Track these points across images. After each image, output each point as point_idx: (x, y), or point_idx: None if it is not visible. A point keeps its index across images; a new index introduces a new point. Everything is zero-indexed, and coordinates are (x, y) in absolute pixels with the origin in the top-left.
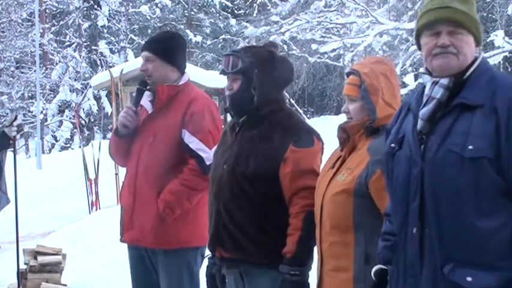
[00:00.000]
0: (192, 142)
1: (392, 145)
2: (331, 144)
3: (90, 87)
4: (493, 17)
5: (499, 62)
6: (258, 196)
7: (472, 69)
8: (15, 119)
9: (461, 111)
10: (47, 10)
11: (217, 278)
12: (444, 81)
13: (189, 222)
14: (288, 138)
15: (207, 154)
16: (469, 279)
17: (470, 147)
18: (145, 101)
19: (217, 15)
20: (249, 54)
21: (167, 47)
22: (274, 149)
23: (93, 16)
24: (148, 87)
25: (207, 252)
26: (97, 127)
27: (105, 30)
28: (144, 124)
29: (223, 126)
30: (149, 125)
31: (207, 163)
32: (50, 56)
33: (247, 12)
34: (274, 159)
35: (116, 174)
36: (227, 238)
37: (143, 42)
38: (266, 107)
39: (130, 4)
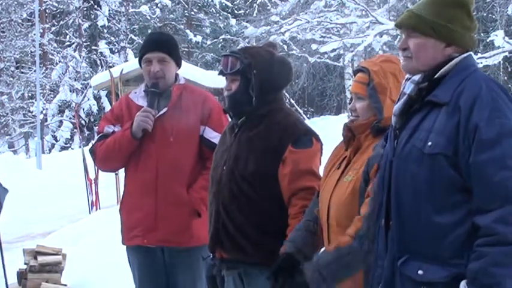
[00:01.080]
0: (215, 137)
1: (382, 140)
2: (331, 144)
3: (90, 87)
4: (493, 17)
5: (499, 62)
6: (257, 196)
7: (445, 68)
8: None
9: (431, 109)
10: (47, 10)
11: (217, 279)
12: (416, 77)
13: (207, 219)
14: (287, 138)
15: None
16: (420, 272)
17: (429, 143)
18: (143, 102)
19: (217, 15)
20: (247, 54)
21: (176, 48)
22: (273, 150)
23: (93, 16)
24: (158, 88)
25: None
26: (97, 127)
27: (105, 30)
28: (155, 125)
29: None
30: (163, 125)
31: None
32: (50, 56)
33: (247, 12)
34: (273, 159)
35: (116, 174)
36: (226, 238)
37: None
38: (265, 107)
39: (130, 4)
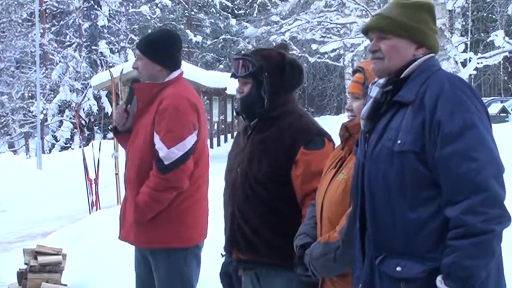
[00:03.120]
0: (156, 142)
1: (354, 146)
2: None
3: (90, 87)
4: (493, 17)
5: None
6: (271, 198)
7: (409, 69)
8: None
9: (398, 109)
10: (47, 10)
11: (233, 279)
12: (381, 81)
13: (168, 223)
14: (299, 140)
15: (165, 153)
16: (398, 269)
17: (398, 141)
18: (132, 99)
19: (218, 15)
20: (258, 57)
21: (152, 46)
22: (286, 151)
23: (93, 16)
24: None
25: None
26: (97, 127)
27: (105, 30)
28: (133, 123)
29: (234, 129)
30: (135, 124)
31: (165, 162)
32: (50, 56)
33: (247, 12)
34: (286, 161)
35: (116, 174)
36: (242, 240)
37: None
38: (277, 109)
39: (131, 4)
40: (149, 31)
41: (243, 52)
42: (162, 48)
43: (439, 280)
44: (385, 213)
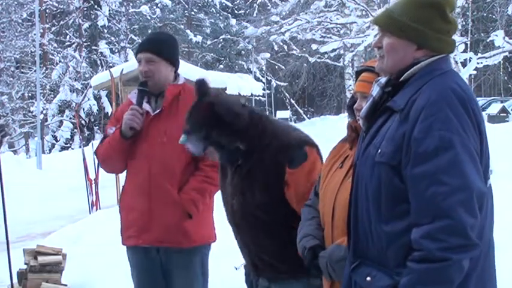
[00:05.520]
0: None
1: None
2: (331, 143)
3: (91, 87)
4: (493, 17)
5: (499, 62)
6: (276, 218)
7: (408, 72)
8: None
9: (390, 114)
10: (47, 10)
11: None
12: (382, 80)
13: (204, 220)
14: (282, 161)
15: None
16: (368, 279)
17: (379, 151)
18: (143, 102)
19: (218, 15)
20: (197, 128)
21: (167, 47)
22: (273, 176)
23: (93, 16)
24: (147, 87)
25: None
26: (97, 127)
27: (105, 30)
28: (150, 124)
29: None
30: (157, 125)
31: None
32: (50, 56)
33: (247, 12)
34: (277, 184)
35: (116, 174)
36: (263, 266)
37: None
38: (254, 140)
39: (131, 4)
40: (149, 31)
41: (183, 137)
42: (173, 49)
43: None
44: (364, 220)
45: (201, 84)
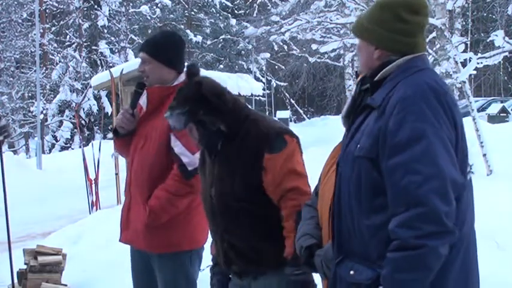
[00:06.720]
0: (176, 146)
1: None
2: (331, 144)
3: (90, 87)
4: (493, 17)
5: (499, 62)
6: (253, 208)
7: (383, 71)
8: None
9: (369, 112)
10: (47, 10)
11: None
12: (360, 79)
13: (179, 226)
14: (261, 146)
15: (189, 159)
16: (351, 272)
17: (358, 146)
18: (145, 101)
19: (217, 15)
20: (182, 103)
21: (163, 48)
22: (253, 162)
23: (93, 16)
24: (145, 88)
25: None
26: (97, 127)
27: (105, 30)
28: (139, 125)
29: None
30: (142, 127)
31: (189, 168)
32: (50, 56)
33: (247, 12)
34: (255, 171)
35: (116, 174)
36: (236, 257)
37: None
38: (235, 125)
39: (131, 4)
40: (149, 31)
41: (167, 112)
42: (171, 50)
43: None
44: (346, 215)
45: (192, 66)
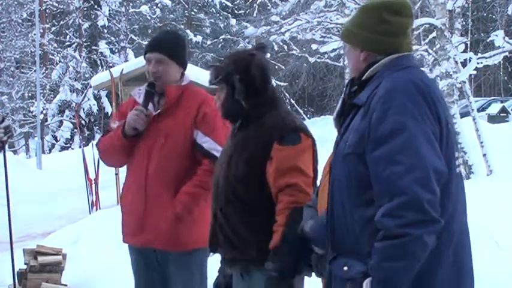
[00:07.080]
0: (206, 142)
1: None
2: (331, 144)
3: (90, 87)
4: (493, 17)
5: (499, 62)
6: (250, 196)
7: (369, 71)
8: (3, 120)
9: (357, 111)
10: (47, 10)
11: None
12: (349, 81)
13: (200, 223)
14: (273, 136)
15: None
16: (345, 268)
17: (347, 143)
18: (149, 103)
19: (217, 15)
20: (229, 61)
21: (179, 49)
22: (262, 149)
23: (93, 16)
24: (154, 88)
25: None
26: (97, 127)
27: (105, 30)
28: (151, 125)
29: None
30: (158, 126)
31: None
32: (50, 56)
33: (247, 12)
34: (262, 158)
35: (116, 174)
36: (223, 239)
37: (144, 42)
38: (256, 109)
39: (131, 4)
40: (149, 31)
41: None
42: (184, 50)
43: (365, 283)
44: (338, 213)
45: (261, 44)
